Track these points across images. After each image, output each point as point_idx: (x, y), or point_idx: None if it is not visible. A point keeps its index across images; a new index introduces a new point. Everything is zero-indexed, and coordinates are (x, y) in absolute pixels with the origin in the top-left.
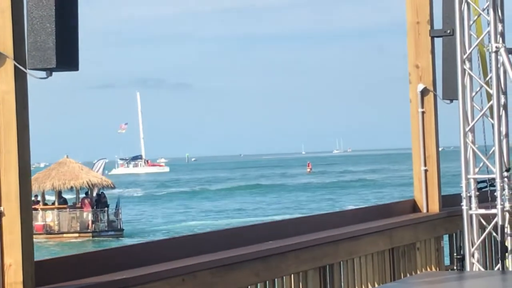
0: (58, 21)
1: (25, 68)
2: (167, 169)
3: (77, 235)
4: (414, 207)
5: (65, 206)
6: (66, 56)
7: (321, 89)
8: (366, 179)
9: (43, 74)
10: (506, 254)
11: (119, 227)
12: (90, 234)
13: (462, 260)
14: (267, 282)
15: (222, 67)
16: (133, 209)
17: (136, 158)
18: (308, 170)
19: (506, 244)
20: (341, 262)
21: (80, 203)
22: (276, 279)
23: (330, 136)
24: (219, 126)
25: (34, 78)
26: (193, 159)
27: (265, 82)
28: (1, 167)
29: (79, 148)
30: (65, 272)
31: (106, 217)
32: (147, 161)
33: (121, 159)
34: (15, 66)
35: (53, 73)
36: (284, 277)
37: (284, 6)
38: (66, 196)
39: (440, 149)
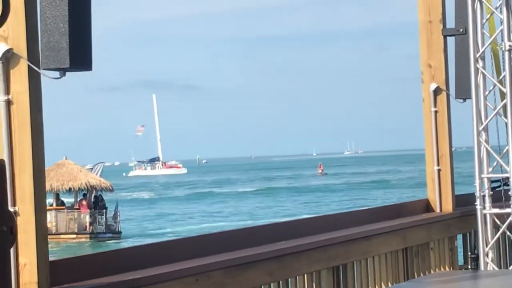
0: (72, 21)
1: (39, 68)
2: (184, 170)
3: (74, 236)
4: (427, 207)
5: (63, 207)
6: (80, 56)
7: (331, 90)
8: (380, 180)
9: (56, 74)
10: None
11: (117, 229)
12: (88, 236)
13: (476, 259)
14: (281, 282)
15: (230, 69)
16: (140, 211)
17: (153, 160)
18: (320, 171)
19: None
20: (354, 262)
21: (78, 205)
22: (289, 279)
23: (341, 137)
24: (229, 128)
25: (47, 78)
26: (203, 161)
27: (274, 83)
28: (16, 167)
29: (91, 151)
30: (79, 272)
31: (104, 219)
32: (164, 163)
33: (139, 161)
34: (28, 66)
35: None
36: (297, 277)
37: (289, 6)
38: (65, 198)
39: (453, 149)
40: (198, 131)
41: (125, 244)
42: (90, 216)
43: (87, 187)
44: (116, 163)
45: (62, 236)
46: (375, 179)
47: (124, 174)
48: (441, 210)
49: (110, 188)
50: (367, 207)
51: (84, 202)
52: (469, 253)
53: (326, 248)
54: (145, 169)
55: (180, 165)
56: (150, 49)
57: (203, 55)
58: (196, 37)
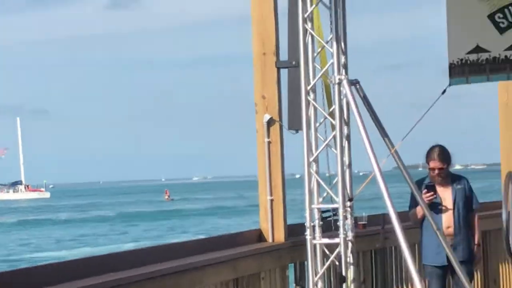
0: None
1: None
2: (47, 194)
3: None
4: (260, 236)
5: None
6: None
7: (184, 114)
8: (226, 206)
9: None
10: (345, 284)
11: None
12: None
13: None
14: None
15: (81, 94)
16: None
17: (16, 183)
18: (166, 197)
19: (348, 273)
20: None
21: None
22: None
23: (190, 163)
24: (76, 153)
25: None
26: (50, 186)
27: (124, 107)
28: None
29: None
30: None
31: None
32: (27, 186)
33: (0, 184)
34: None
35: None
36: None
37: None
38: None
39: (298, 176)
40: (45, 156)
41: None
42: None
43: None
44: None
45: None
46: (221, 204)
47: None
48: (273, 240)
49: None
50: (199, 238)
51: None
52: (295, 284)
53: (155, 280)
54: (7, 192)
55: (43, 189)
56: None
57: (52, 81)
58: (43, 63)
